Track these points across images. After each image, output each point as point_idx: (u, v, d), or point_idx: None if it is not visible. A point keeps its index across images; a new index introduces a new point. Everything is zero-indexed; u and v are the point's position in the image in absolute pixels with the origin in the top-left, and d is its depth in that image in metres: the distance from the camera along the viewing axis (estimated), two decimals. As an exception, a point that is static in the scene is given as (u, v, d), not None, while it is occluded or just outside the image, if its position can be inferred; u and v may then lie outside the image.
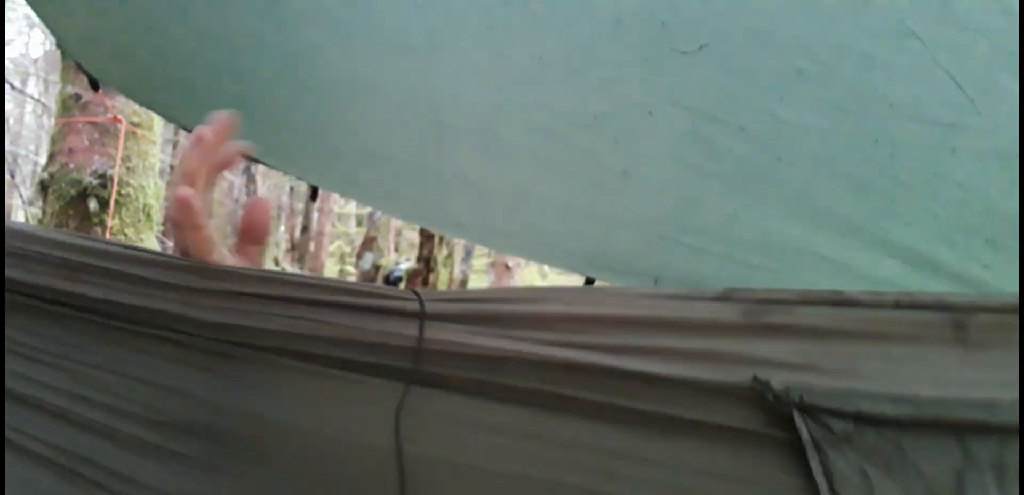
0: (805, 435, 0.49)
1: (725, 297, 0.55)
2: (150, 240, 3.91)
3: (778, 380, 0.50)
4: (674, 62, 0.84)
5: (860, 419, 0.50)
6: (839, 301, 0.55)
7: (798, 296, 0.55)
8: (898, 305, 0.56)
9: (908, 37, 0.73)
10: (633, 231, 1.20)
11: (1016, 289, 0.95)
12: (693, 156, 0.98)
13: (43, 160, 4.21)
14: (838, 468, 0.49)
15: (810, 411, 0.50)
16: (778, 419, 0.49)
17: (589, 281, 1.40)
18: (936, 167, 0.86)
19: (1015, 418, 0.49)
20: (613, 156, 1.03)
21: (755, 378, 0.50)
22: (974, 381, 0.53)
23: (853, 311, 0.55)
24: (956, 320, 0.55)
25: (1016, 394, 0.50)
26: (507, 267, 9.21)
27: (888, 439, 0.49)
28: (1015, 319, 0.55)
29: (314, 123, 1.30)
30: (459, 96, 1.05)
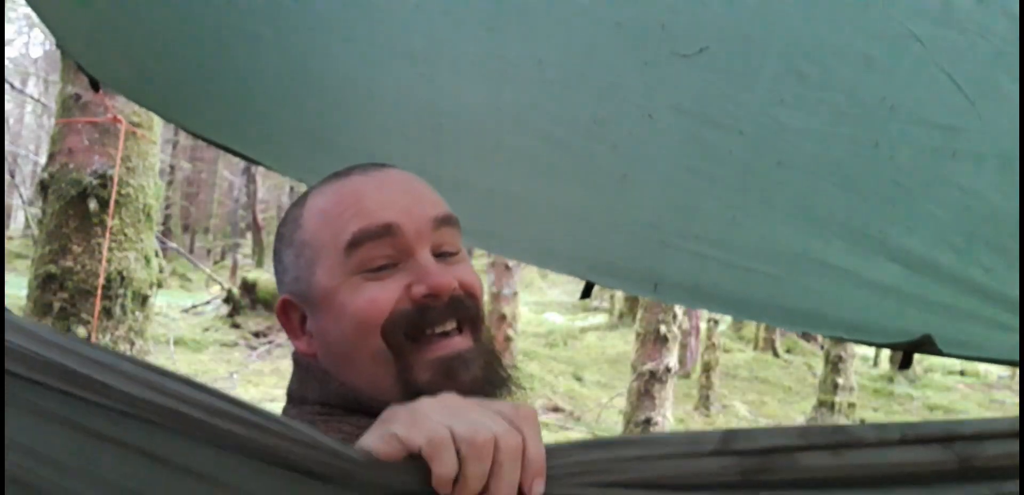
0: None
1: (723, 450, 0.54)
2: (150, 240, 3.91)
3: None
4: (674, 66, 0.84)
5: None
6: (841, 443, 0.54)
7: (799, 440, 0.54)
8: (904, 441, 0.55)
9: (909, 40, 0.73)
10: (632, 235, 1.19)
11: (1016, 291, 0.95)
12: (693, 160, 0.98)
13: (43, 160, 4.21)
14: None
15: None
16: None
17: (588, 285, 1.40)
18: (937, 170, 0.86)
19: None
20: (612, 160, 1.03)
21: None
22: None
23: (856, 453, 0.54)
24: (961, 454, 0.54)
25: None
26: (507, 267, 9.20)
27: None
28: (1016, 447, 0.54)
29: (314, 125, 1.30)
30: (458, 99, 1.04)
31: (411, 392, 0.59)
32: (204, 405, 0.45)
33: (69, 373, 0.44)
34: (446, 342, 0.65)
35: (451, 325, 0.65)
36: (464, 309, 0.67)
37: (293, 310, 0.70)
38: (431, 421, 0.48)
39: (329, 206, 0.68)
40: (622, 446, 0.54)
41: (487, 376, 0.66)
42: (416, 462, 0.47)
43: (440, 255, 0.69)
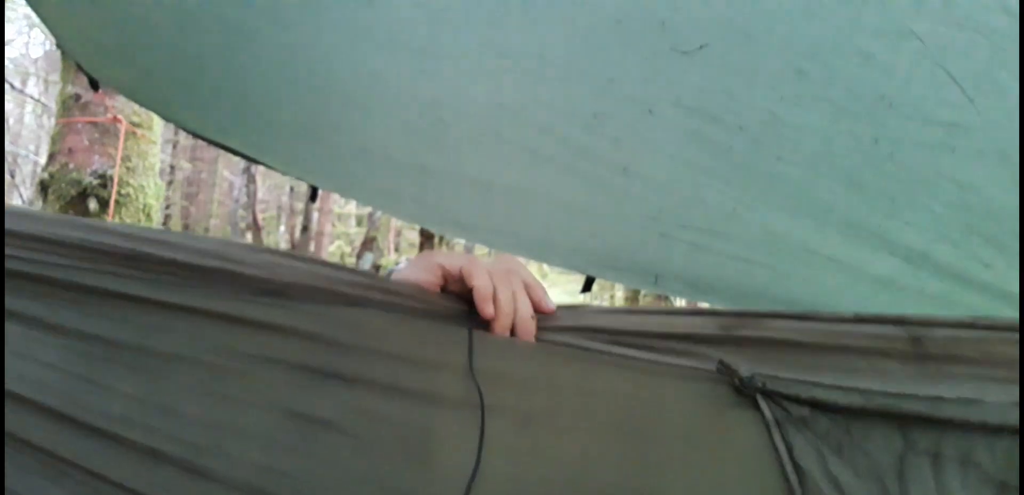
0: (768, 415, 0.58)
1: (702, 312, 0.67)
2: (150, 240, 3.91)
3: (746, 372, 0.60)
4: (674, 61, 0.84)
5: (815, 405, 0.58)
6: (803, 316, 0.64)
7: (767, 313, 0.64)
8: (858, 319, 0.63)
9: (908, 37, 0.73)
10: (632, 229, 1.20)
11: (1016, 288, 0.95)
12: (693, 155, 0.98)
13: (43, 160, 4.21)
14: (797, 443, 0.57)
15: (771, 396, 0.59)
16: (745, 400, 0.59)
17: (589, 279, 1.40)
18: (936, 166, 0.86)
19: (958, 413, 0.56)
20: (613, 154, 1.03)
21: (720, 362, 0.60)
22: (922, 383, 0.59)
23: (815, 324, 0.63)
24: (912, 334, 0.61)
25: (963, 395, 0.57)
26: (507, 267, 9.20)
27: (839, 425, 0.58)
28: (971, 334, 0.61)
29: (314, 123, 1.30)
30: (459, 95, 1.05)
31: None
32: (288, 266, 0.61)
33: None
34: None
35: None
36: None
37: None
38: (464, 256, 0.64)
39: None
40: (613, 312, 0.67)
41: None
42: (453, 289, 0.64)
43: None
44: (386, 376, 0.58)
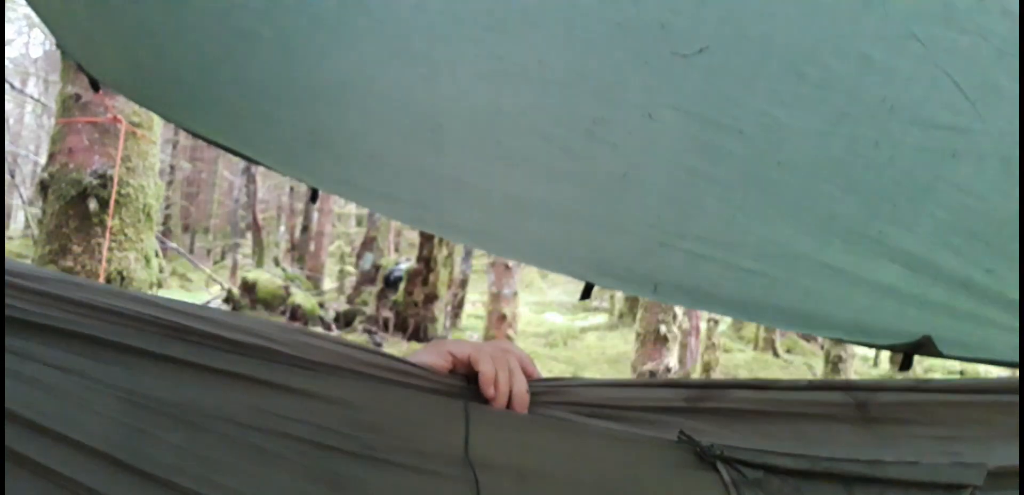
0: (726, 477, 0.66)
1: (671, 384, 0.76)
2: (150, 240, 3.91)
3: (706, 441, 0.68)
4: (674, 66, 0.84)
5: (767, 469, 0.66)
6: (761, 385, 0.74)
7: (730, 383, 0.74)
8: (810, 387, 0.72)
9: (909, 40, 0.73)
10: (632, 236, 1.19)
11: (1016, 292, 0.95)
12: (692, 160, 0.97)
13: (43, 160, 4.20)
14: None
15: (729, 461, 0.67)
16: (706, 465, 0.67)
17: (588, 286, 1.40)
18: (937, 171, 0.86)
19: (897, 474, 0.63)
20: (612, 160, 1.02)
21: (680, 432, 0.69)
22: (865, 447, 0.67)
23: (772, 394, 0.72)
24: (858, 400, 0.69)
25: (901, 456, 0.64)
26: (507, 267, 9.21)
27: (790, 485, 0.65)
28: (913, 398, 0.69)
29: (313, 125, 1.30)
30: (458, 99, 1.04)
31: None
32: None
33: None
34: None
35: None
36: None
37: None
38: (470, 344, 0.75)
39: None
40: (592, 385, 0.76)
41: None
42: (460, 371, 0.73)
43: None
44: (400, 439, 0.66)
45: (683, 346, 9.55)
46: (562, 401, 0.73)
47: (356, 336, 9.57)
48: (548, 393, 0.74)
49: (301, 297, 10.96)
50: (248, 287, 10.75)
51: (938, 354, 1.12)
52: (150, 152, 3.95)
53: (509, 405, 0.72)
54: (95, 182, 3.65)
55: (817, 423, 0.69)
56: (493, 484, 0.65)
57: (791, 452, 0.66)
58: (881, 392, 0.70)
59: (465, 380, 0.73)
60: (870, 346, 1.24)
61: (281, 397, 0.64)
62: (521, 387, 0.72)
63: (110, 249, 3.62)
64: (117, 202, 3.68)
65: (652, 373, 6.04)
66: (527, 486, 0.66)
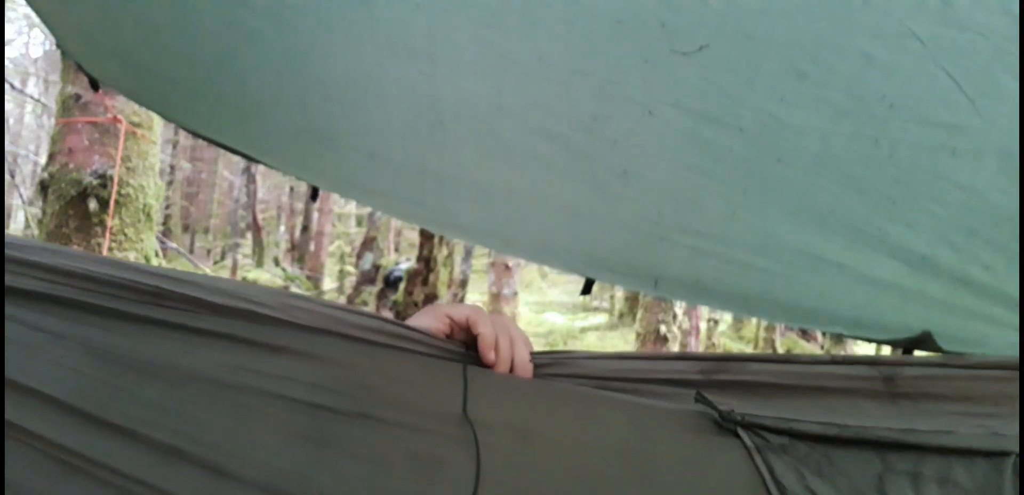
0: (748, 442, 0.62)
1: (686, 356, 0.71)
2: (150, 240, 3.91)
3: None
4: (674, 63, 0.84)
5: (793, 435, 0.62)
6: (781, 359, 0.68)
7: (749, 356, 0.69)
8: (833, 361, 0.67)
9: (909, 38, 0.73)
10: (632, 232, 1.19)
11: (1016, 289, 0.95)
12: (693, 157, 0.98)
13: (43, 160, 4.20)
14: (777, 466, 0.60)
15: (751, 427, 0.62)
16: (726, 432, 0.63)
17: (589, 282, 1.40)
18: (937, 168, 0.86)
19: (932, 440, 0.59)
20: (613, 157, 1.03)
21: (697, 392, 0.64)
22: (897, 418, 0.63)
23: (793, 367, 0.67)
24: (885, 374, 0.65)
25: (936, 427, 0.60)
26: (507, 267, 9.21)
27: (817, 450, 0.61)
28: (941, 372, 0.65)
29: (313, 123, 1.30)
30: (458, 97, 1.04)
31: None
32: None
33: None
34: None
35: None
36: None
37: None
38: (468, 306, 0.71)
39: None
40: (600, 357, 0.72)
41: None
42: (458, 336, 0.70)
43: None
44: (394, 397, 0.63)
45: (683, 345, 9.54)
46: (568, 373, 0.69)
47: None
48: (552, 365, 0.70)
49: (301, 297, 10.90)
50: (248, 287, 10.73)
51: (938, 349, 1.12)
52: (150, 152, 3.95)
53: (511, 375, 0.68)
54: (95, 182, 3.65)
55: (842, 397, 0.64)
56: (494, 443, 0.61)
57: (818, 420, 0.61)
58: (909, 367, 0.65)
59: (464, 346, 0.70)
60: (870, 342, 1.24)
61: (266, 356, 0.61)
62: (523, 355, 0.69)
63: (110, 249, 3.63)
64: (117, 202, 3.68)
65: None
66: (530, 446, 0.62)
